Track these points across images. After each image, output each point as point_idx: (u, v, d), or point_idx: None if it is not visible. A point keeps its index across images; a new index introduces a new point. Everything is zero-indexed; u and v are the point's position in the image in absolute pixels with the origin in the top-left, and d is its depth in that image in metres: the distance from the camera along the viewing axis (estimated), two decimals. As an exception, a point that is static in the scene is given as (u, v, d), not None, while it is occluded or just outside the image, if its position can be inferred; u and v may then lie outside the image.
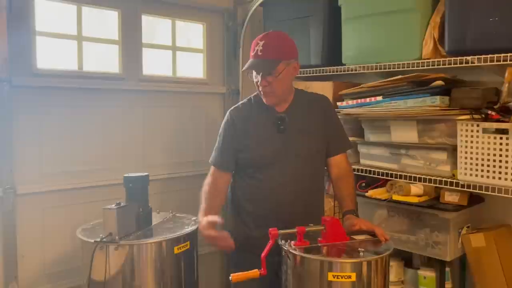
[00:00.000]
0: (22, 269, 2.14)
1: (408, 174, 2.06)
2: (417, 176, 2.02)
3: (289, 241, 1.57)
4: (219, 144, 1.91)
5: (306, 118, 1.86)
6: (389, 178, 2.14)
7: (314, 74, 2.49)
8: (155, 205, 2.04)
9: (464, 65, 1.87)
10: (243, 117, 1.87)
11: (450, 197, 2.02)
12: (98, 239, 1.65)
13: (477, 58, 1.82)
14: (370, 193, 2.20)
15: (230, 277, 1.54)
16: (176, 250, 1.75)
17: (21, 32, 2.11)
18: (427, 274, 2.14)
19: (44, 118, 2.20)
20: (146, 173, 1.91)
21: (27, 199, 2.14)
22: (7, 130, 2.07)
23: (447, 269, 2.10)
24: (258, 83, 1.77)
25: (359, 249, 1.50)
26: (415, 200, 2.04)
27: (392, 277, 2.20)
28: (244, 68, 1.81)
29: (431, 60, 1.98)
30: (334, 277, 1.45)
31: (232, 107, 1.94)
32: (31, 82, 2.15)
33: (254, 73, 1.79)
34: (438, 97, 1.92)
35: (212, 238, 1.68)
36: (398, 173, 2.10)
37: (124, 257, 1.68)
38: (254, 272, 1.53)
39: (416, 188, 2.07)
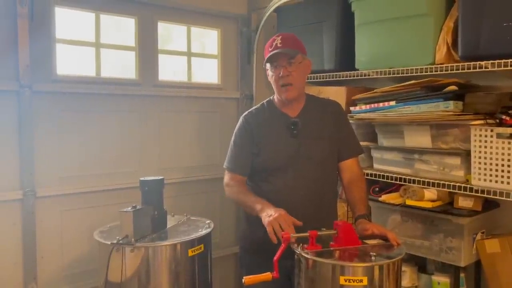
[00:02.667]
0: (41, 270, 2.20)
1: (422, 179, 2.05)
2: (431, 181, 2.02)
3: (301, 244, 1.58)
4: (234, 149, 1.93)
5: (318, 123, 1.88)
6: (402, 183, 2.14)
7: (327, 79, 2.50)
8: (170, 208, 2.08)
9: (477, 70, 1.86)
10: (257, 121, 1.90)
11: (464, 202, 2.01)
12: (115, 241, 1.69)
13: (491, 63, 1.81)
14: (384, 198, 2.20)
15: (243, 280, 1.56)
16: (190, 253, 1.78)
17: (42, 39, 2.18)
18: (441, 280, 2.12)
19: (63, 123, 2.26)
20: (161, 177, 1.95)
21: (46, 202, 2.20)
22: (28, 134, 2.13)
23: (462, 274, 2.09)
24: (280, 74, 1.80)
25: (371, 253, 1.51)
26: (428, 205, 2.04)
27: (406, 282, 2.19)
28: (266, 58, 1.83)
29: (444, 65, 1.97)
30: (346, 281, 1.45)
31: (246, 112, 1.97)
32: (51, 88, 2.21)
33: (273, 70, 1.83)
34: (451, 102, 1.91)
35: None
36: (412, 178, 2.09)
37: (140, 259, 1.72)
38: (267, 275, 1.55)
39: (430, 193, 2.06)
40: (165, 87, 2.61)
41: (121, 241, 1.69)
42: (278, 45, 1.81)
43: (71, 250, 2.30)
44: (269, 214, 1.63)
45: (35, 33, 2.14)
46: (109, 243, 1.70)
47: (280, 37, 1.84)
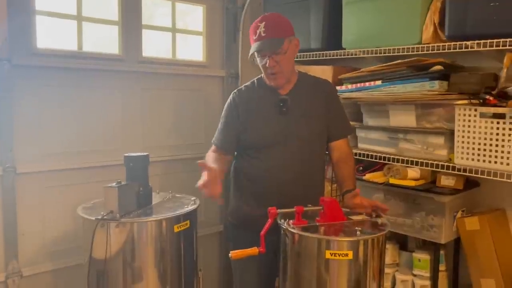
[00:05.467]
0: (22, 247, 2.16)
1: (406, 158, 2.08)
2: (414, 160, 2.05)
3: (287, 220, 1.59)
4: (221, 126, 1.94)
5: (308, 101, 1.87)
6: (386, 162, 2.17)
7: (314, 58, 2.49)
8: (155, 186, 2.05)
9: (463, 50, 1.89)
10: (245, 99, 1.89)
11: (446, 181, 2.05)
12: (99, 217, 1.67)
13: (477, 43, 1.83)
14: (368, 176, 2.22)
15: (229, 255, 1.57)
16: (176, 229, 1.77)
17: (21, 11, 2.10)
18: (422, 257, 2.17)
19: (44, 98, 2.19)
20: (146, 153, 1.92)
21: (27, 178, 2.15)
22: (7, 109, 2.07)
23: (442, 251, 2.14)
24: (266, 64, 1.78)
25: (356, 228, 1.53)
26: (411, 183, 2.07)
27: (387, 259, 2.24)
28: (251, 52, 1.81)
29: (431, 45, 1.99)
30: (331, 255, 1.48)
31: (236, 89, 1.96)
32: (31, 61, 2.14)
33: (260, 57, 1.80)
34: (437, 81, 1.93)
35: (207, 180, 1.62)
36: (396, 157, 2.12)
37: (125, 235, 1.70)
38: (253, 250, 1.56)
39: (413, 172, 2.09)
40: (149, 63, 2.56)
41: (105, 217, 1.67)
42: (262, 34, 1.75)
43: (54, 227, 2.26)
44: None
45: (14, 4, 2.05)
46: (93, 218, 1.68)
47: (264, 23, 1.76)
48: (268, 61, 1.77)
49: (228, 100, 1.94)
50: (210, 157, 1.88)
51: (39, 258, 2.22)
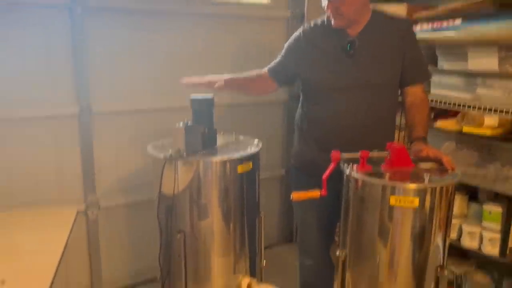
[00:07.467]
0: (99, 182, 2.34)
1: (483, 105, 1.93)
2: (493, 107, 1.90)
3: (351, 164, 1.56)
4: (281, 55, 1.93)
5: (381, 43, 1.74)
6: (460, 109, 2.03)
7: (387, -4, 2.32)
8: (219, 128, 2.08)
9: None
10: (312, 36, 1.82)
11: (528, 131, 1.89)
12: (168, 155, 1.74)
13: None
14: (439, 124, 2.11)
15: (291, 196, 1.59)
16: (239, 169, 1.81)
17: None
18: (493, 209, 2.07)
19: (115, 40, 2.27)
20: (211, 95, 1.94)
21: (101, 118, 2.29)
22: (82, 51, 2.17)
23: (516, 205, 2.02)
24: (327, 5, 1.70)
25: (424, 175, 1.47)
26: (488, 132, 1.94)
27: (455, 210, 2.16)
28: None
29: (523, -23, 1.77)
30: (396, 201, 1.44)
31: (306, 24, 1.89)
32: (101, 3, 2.20)
33: None
34: (527, 20, 1.74)
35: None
36: (472, 104, 1.98)
37: (191, 173, 1.76)
38: (315, 192, 1.56)
39: (491, 120, 1.95)
40: (214, 5, 2.54)
41: (173, 155, 1.73)
42: None
43: (126, 164, 2.41)
44: None
45: None
46: (162, 156, 1.76)
47: None
48: (327, 4, 1.69)
49: (296, 33, 1.89)
50: (248, 73, 1.98)
51: (113, 192, 2.40)
